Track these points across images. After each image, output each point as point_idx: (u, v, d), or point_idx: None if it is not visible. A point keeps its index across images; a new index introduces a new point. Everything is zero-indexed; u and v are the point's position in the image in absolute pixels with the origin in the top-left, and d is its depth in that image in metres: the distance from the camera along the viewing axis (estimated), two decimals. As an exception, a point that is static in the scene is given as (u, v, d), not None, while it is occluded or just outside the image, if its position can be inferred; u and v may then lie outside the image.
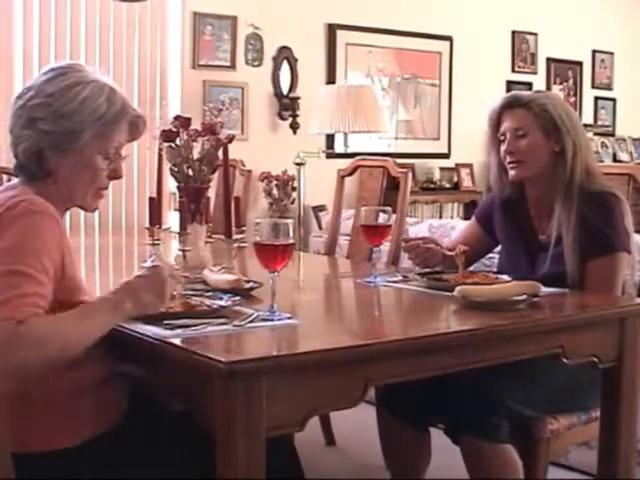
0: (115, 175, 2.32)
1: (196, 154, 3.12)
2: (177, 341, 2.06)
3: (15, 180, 2.31)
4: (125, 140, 2.33)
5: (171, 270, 2.23)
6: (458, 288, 2.59)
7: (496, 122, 3.10)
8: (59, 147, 2.19)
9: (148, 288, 2.14)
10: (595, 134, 9.34)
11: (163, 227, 3.24)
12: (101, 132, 2.22)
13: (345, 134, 6.62)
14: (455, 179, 8.37)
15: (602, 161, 8.93)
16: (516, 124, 3.02)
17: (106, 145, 2.25)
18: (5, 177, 5.02)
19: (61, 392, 2.09)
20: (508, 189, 3.11)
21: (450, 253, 3.05)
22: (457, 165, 8.38)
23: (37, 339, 1.90)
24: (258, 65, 7.20)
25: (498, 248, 3.32)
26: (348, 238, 4.25)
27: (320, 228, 6.50)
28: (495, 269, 3.26)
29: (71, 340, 1.98)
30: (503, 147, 3.05)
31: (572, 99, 9.50)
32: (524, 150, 3.00)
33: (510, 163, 3.03)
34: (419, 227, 5.00)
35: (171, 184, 3.38)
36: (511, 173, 3.04)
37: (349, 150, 6.54)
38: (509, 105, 3.06)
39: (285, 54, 7.29)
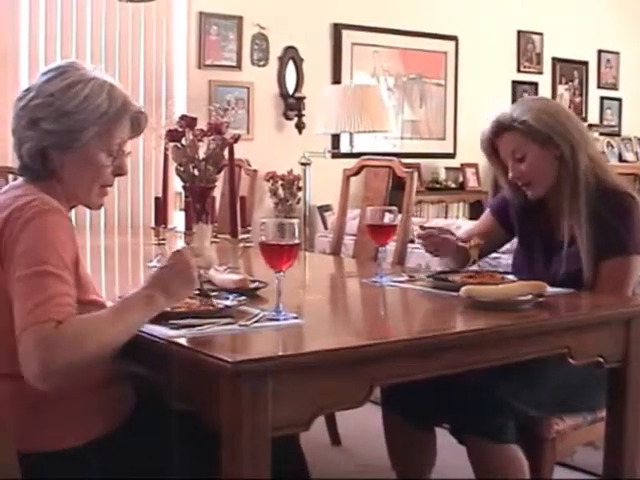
0: (120, 172, 2.32)
1: (202, 154, 3.12)
2: (183, 341, 2.06)
3: (19, 180, 2.31)
4: (128, 136, 2.34)
5: (193, 251, 2.24)
6: (464, 288, 2.58)
7: (490, 149, 3.07)
8: (62, 146, 2.20)
9: (177, 278, 2.15)
10: (601, 134, 9.33)
11: (169, 227, 3.25)
12: (103, 129, 2.22)
13: (351, 134, 6.62)
14: (461, 179, 8.37)
15: (608, 161, 8.92)
16: (510, 149, 3.00)
17: (109, 142, 2.25)
18: (11, 177, 5.03)
19: (67, 392, 2.09)
20: (524, 197, 3.08)
21: (463, 244, 3.05)
22: (463, 165, 8.38)
23: (77, 338, 1.93)
24: (264, 65, 7.20)
25: (508, 246, 3.31)
26: (354, 238, 4.25)
27: (326, 228, 6.50)
28: (501, 269, 3.25)
29: (108, 337, 2.00)
30: (509, 174, 3.04)
31: (578, 99, 9.50)
32: (528, 171, 2.98)
33: (522, 186, 3.02)
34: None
35: (177, 184, 3.38)
36: (528, 194, 3.03)
37: (355, 150, 6.54)
38: (496, 133, 3.03)
39: (291, 54, 7.30)
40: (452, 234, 3.16)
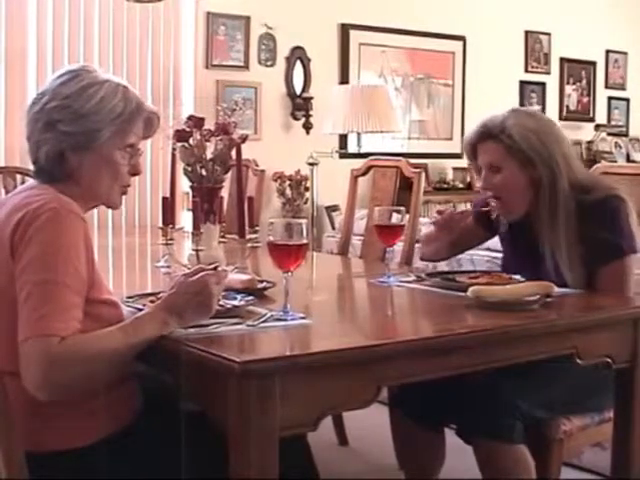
0: (135, 171, 2.35)
1: (209, 154, 3.13)
2: (191, 341, 2.06)
3: (33, 181, 2.32)
4: (141, 136, 2.35)
5: (217, 277, 2.20)
6: (471, 288, 2.58)
7: (472, 152, 3.04)
8: (80, 147, 2.22)
9: (196, 308, 2.14)
10: (608, 134, 9.33)
11: (176, 227, 3.25)
12: (119, 129, 2.25)
13: (358, 134, 6.62)
14: (468, 179, 8.37)
15: (615, 161, 8.91)
16: (489, 159, 2.95)
17: (124, 141, 2.28)
18: (19, 177, 5.04)
19: (75, 392, 2.10)
20: None
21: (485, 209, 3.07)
22: (470, 165, 8.36)
23: (79, 356, 1.97)
24: (271, 65, 7.21)
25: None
26: (361, 238, 4.25)
27: (333, 228, 6.51)
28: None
29: (112, 356, 2.04)
30: (480, 183, 3.01)
31: (585, 99, 9.50)
32: (500, 185, 2.93)
33: (492, 197, 2.98)
34: (432, 227, 4.99)
35: (184, 184, 3.39)
36: (500, 213, 3.00)
37: (362, 150, 6.54)
38: (480, 138, 2.98)
39: (298, 54, 7.31)
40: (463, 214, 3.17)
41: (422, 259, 3.52)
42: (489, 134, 2.95)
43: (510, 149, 2.89)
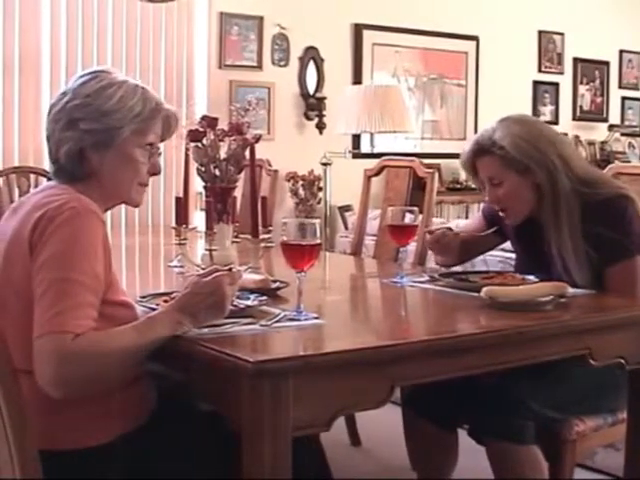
0: (154, 170, 2.37)
1: (223, 154, 3.13)
2: (204, 340, 2.06)
3: (51, 181, 2.33)
4: (160, 136, 2.37)
5: (231, 278, 2.20)
6: (485, 289, 2.58)
7: (471, 168, 3.05)
8: (101, 145, 2.23)
9: (210, 309, 2.14)
10: (622, 134, 9.30)
11: (190, 227, 3.26)
12: (139, 128, 2.27)
13: (371, 134, 6.62)
14: (481, 179, 8.35)
15: (629, 161, 8.88)
16: (487, 173, 2.97)
17: (144, 139, 2.30)
18: (33, 177, 5.06)
19: (89, 391, 2.11)
20: None
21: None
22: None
23: (92, 354, 1.97)
24: (284, 65, 7.21)
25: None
26: (374, 238, 4.25)
27: (346, 228, 6.50)
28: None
29: (125, 355, 2.04)
30: (486, 198, 3.03)
31: (599, 99, 9.47)
32: (505, 198, 2.95)
33: (499, 211, 3.01)
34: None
35: (197, 184, 3.39)
36: (505, 221, 3.04)
37: (375, 150, 6.53)
38: (475, 154, 2.99)
39: (311, 54, 7.31)
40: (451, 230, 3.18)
41: (436, 264, 3.53)
42: (482, 150, 2.96)
43: (504, 160, 2.90)
